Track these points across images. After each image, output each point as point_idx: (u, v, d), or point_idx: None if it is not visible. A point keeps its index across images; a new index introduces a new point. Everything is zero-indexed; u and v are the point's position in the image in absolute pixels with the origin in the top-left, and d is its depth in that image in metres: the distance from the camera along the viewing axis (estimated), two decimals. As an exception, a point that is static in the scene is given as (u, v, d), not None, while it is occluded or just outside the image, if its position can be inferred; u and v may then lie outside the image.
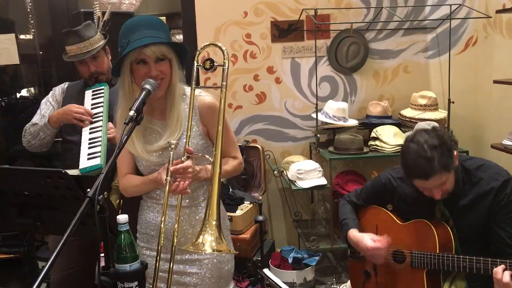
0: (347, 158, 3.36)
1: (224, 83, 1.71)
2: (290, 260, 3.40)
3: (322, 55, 3.74)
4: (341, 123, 3.50)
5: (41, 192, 1.54)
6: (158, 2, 5.96)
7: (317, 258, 3.38)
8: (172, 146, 1.66)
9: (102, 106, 2.30)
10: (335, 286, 3.18)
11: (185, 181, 1.65)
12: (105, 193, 1.37)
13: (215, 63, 1.74)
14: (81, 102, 2.36)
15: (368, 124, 3.60)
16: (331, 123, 3.50)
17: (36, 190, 1.54)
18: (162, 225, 1.68)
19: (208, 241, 1.51)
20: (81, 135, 2.26)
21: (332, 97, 3.79)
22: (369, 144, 3.44)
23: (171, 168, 1.64)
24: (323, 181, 3.32)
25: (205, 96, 1.84)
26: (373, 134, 3.45)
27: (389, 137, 3.35)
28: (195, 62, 1.75)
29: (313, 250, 3.41)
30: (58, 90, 2.49)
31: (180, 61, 1.77)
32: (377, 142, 3.38)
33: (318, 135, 3.52)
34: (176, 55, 1.74)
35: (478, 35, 3.76)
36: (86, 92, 2.41)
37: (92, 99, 2.37)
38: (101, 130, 2.21)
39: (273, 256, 3.49)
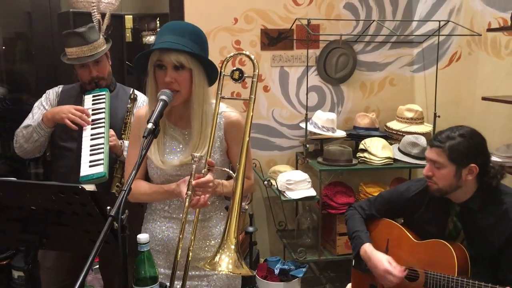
0: (337, 169, 3.36)
1: (253, 96, 1.65)
2: (276, 272, 3.37)
3: (311, 65, 3.74)
4: (329, 134, 3.50)
5: (51, 207, 1.44)
6: (144, 2, 5.85)
7: (303, 269, 3.37)
8: (196, 159, 1.58)
9: (103, 112, 2.21)
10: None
11: (205, 195, 1.59)
12: (126, 211, 1.29)
13: (244, 74, 1.66)
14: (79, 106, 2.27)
15: (355, 136, 3.62)
16: (319, 134, 3.50)
17: (45, 205, 1.44)
18: (179, 243, 1.60)
19: (225, 262, 1.45)
20: (77, 142, 2.16)
21: (319, 107, 3.79)
22: (357, 155, 3.45)
23: (193, 183, 1.57)
24: (312, 192, 3.31)
25: (231, 112, 1.80)
26: (361, 146, 3.47)
27: (378, 150, 3.37)
28: (221, 71, 1.67)
29: (300, 262, 3.39)
30: (52, 94, 2.37)
31: (209, 77, 1.70)
32: (365, 154, 3.40)
33: (307, 145, 3.50)
34: (203, 67, 1.66)
35: (462, 51, 3.85)
36: (86, 96, 2.31)
37: (93, 104, 2.28)
38: (103, 137, 2.12)
39: (259, 267, 3.44)
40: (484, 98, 3.16)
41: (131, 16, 5.07)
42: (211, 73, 1.69)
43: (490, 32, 3.28)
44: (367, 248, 2.10)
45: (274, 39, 3.70)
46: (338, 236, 3.36)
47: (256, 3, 3.64)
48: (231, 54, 1.72)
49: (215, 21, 3.63)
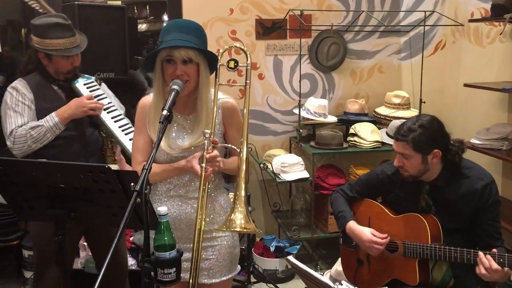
0: (329, 152, 3.57)
1: (248, 81, 1.87)
2: (272, 249, 3.58)
3: (303, 53, 3.91)
4: (321, 119, 3.70)
5: (78, 185, 1.62)
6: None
7: (297, 247, 3.59)
8: (207, 135, 1.78)
9: (106, 97, 2.40)
10: (319, 273, 3.38)
11: (213, 168, 1.79)
12: (149, 187, 1.48)
13: (238, 63, 1.87)
14: (54, 96, 2.37)
15: (346, 121, 3.82)
16: (312, 119, 3.69)
17: (73, 183, 1.62)
18: (199, 217, 1.79)
19: (238, 218, 1.66)
20: (76, 130, 2.35)
21: (311, 94, 3.98)
22: (348, 140, 3.65)
23: (207, 156, 1.76)
24: (305, 174, 3.51)
25: (227, 99, 1.99)
26: (351, 131, 3.67)
27: (367, 134, 3.57)
28: (218, 61, 1.88)
29: (294, 240, 3.61)
30: (22, 88, 2.33)
31: (211, 67, 1.88)
32: (355, 138, 3.60)
33: (301, 130, 3.70)
34: (206, 60, 1.86)
35: (447, 39, 4.05)
36: (77, 85, 2.41)
37: (91, 91, 2.43)
38: (124, 118, 2.37)
39: (255, 245, 3.65)
40: (466, 85, 3.37)
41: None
42: (213, 64, 1.89)
43: (473, 22, 3.48)
44: (352, 225, 2.31)
45: (268, 29, 3.87)
46: (329, 215, 3.57)
47: (251, -7, 3.80)
48: (226, 47, 1.93)
49: (212, 11, 3.78)
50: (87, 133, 2.41)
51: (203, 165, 1.77)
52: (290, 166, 3.50)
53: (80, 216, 1.71)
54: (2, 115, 2.30)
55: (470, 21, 3.43)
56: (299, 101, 3.71)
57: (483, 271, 1.89)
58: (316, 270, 3.53)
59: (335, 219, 2.45)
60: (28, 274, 3.37)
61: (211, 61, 1.87)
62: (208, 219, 1.96)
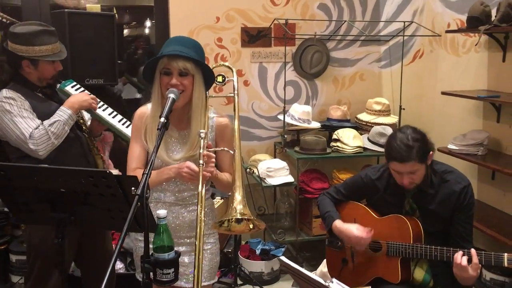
0: (313, 158, 3.68)
1: (236, 92, 2.07)
2: (258, 252, 3.67)
3: (287, 61, 4.03)
4: (305, 125, 3.81)
5: (79, 189, 1.68)
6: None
7: (283, 249, 3.69)
8: (202, 135, 1.90)
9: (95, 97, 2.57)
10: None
11: (209, 168, 1.89)
12: (149, 191, 1.56)
13: (226, 78, 2.09)
14: (44, 101, 2.42)
15: (329, 127, 3.94)
16: (296, 125, 3.80)
17: (74, 187, 1.68)
18: (201, 215, 1.84)
19: (238, 208, 1.82)
20: (76, 137, 2.47)
21: (295, 100, 4.09)
22: (331, 145, 3.77)
23: (204, 153, 1.87)
24: (290, 178, 3.62)
25: (220, 117, 2.11)
26: (334, 136, 3.79)
27: (349, 139, 3.70)
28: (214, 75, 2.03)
29: (280, 242, 3.70)
30: (17, 97, 2.32)
31: (207, 81, 1.99)
32: (338, 144, 3.72)
33: (285, 136, 3.80)
34: (203, 75, 1.95)
35: (425, 49, 4.21)
36: (66, 88, 2.51)
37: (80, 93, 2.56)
38: (118, 114, 2.59)
39: (241, 248, 3.74)
40: (443, 93, 3.53)
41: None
42: (209, 80, 2.00)
43: (449, 33, 3.64)
44: (338, 223, 2.41)
45: (253, 37, 3.97)
46: (314, 219, 3.68)
47: (237, 3, 3.90)
48: (215, 65, 2.15)
49: (198, 19, 3.87)
50: (79, 136, 2.50)
51: (201, 161, 1.86)
52: (276, 171, 3.59)
53: (79, 220, 1.77)
54: (8, 124, 2.28)
55: (447, 32, 3.59)
56: (284, 107, 3.82)
57: (454, 269, 2.02)
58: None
59: (321, 219, 2.55)
60: (16, 279, 3.39)
61: (207, 76, 1.97)
62: (192, 227, 2.04)
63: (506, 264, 1.92)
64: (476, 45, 3.41)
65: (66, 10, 3.11)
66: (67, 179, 1.67)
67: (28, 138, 2.25)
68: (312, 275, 1.58)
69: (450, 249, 2.10)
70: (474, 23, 3.12)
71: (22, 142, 2.27)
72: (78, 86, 2.59)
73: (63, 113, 2.35)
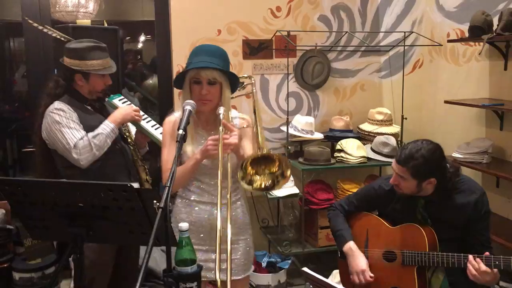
0: (318, 168, 3.67)
1: (255, 90, 2.44)
2: (264, 264, 3.64)
3: (289, 72, 4.03)
4: (308, 136, 3.81)
5: (97, 203, 1.65)
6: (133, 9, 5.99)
7: (289, 261, 3.66)
8: (221, 112, 2.01)
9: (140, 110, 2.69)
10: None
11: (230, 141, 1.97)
12: (171, 204, 1.53)
13: (244, 82, 2.35)
14: (92, 113, 2.58)
15: (331, 137, 3.94)
16: (299, 136, 3.80)
17: (93, 201, 1.65)
18: (217, 212, 1.88)
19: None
20: (120, 148, 2.63)
21: (297, 111, 4.09)
22: (334, 155, 3.77)
23: (223, 121, 1.99)
24: (295, 190, 3.61)
25: (242, 117, 2.28)
26: (338, 147, 3.79)
27: (353, 150, 3.70)
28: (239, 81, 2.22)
29: (286, 254, 3.67)
30: (67, 109, 2.49)
31: (232, 86, 2.13)
32: (342, 154, 3.72)
33: (289, 147, 3.79)
34: (228, 80, 2.09)
35: (424, 58, 4.25)
36: (114, 101, 2.66)
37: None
38: (160, 126, 2.67)
39: (247, 261, 3.69)
40: (446, 102, 3.55)
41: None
42: (234, 85, 2.15)
43: (450, 42, 3.68)
44: (352, 246, 2.40)
45: (255, 49, 3.98)
46: (319, 230, 3.67)
47: (238, 15, 3.91)
48: (242, 75, 2.37)
49: (200, 32, 3.86)
50: (122, 146, 2.64)
51: (221, 128, 1.96)
52: (281, 182, 3.57)
53: (97, 234, 1.74)
54: (56, 134, 2.44)
55: (449, 41, 3.63)
56: (287, 118, 3.81)
57: (473, 272, 2.01)
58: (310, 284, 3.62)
59: (333, 236, 2.54)
60: (19, 297, 3.32)
61: (232, 81, 2.12)
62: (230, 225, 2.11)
63: (515, 268, 1.92)
64: (479, 54, 3.44)
65: (70, 24, 3.11)
66: (86, 193, 1.64)
67: (72, 148, 2.40)
68: (339, 286, 1.56)
69: (468, 255, 2.10)
70: (477, 32, 3.15)
71: (67, 151, 2.42)
72: (125, 100, 2.71)
73: (106, 127, 2.48)
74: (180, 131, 1.73)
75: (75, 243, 1.69)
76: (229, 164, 2.03)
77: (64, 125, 2.44)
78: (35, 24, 2.99)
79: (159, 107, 4.18)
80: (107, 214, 1.69)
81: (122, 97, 2.72)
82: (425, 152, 2.16)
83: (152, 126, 2.69)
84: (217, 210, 2.04)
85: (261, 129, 2.11)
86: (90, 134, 2.44)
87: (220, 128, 1.97)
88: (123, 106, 2.62)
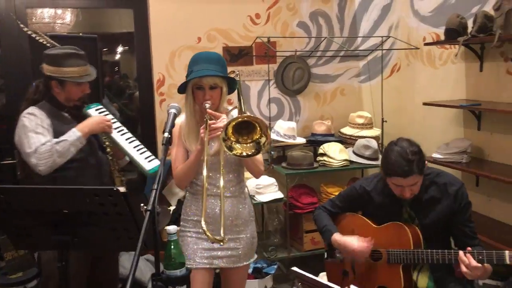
0: (301, 172, 3.69)
1: (239, 79, 2.33)
2: (250, 270, 3.62)
3: (270, 78, 4.06)
4: (291, 141, 3.84)
5: (83, 209, 1.63)
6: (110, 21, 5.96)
7: (275, 266, 3.65)
8: (207, 106, 2.13)
9: (117, 121, 2.58)
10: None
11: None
12: (158, 207, 1.53)
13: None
14: (68, 121, 2.48)
15: (314, 142, 3.97)
16: (282, 141, 3.82)
17: (78, 207, 1.63)
18: (222, 205, 2.03)
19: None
20: (93, 155, 2.51)
21: (279, 117, 4.12)
22: (317, 159, 3.80)
23: (209, 110, 2.11)
24: (280, 194, 3.62)
25: (235, 109, 2.35)
26: (320, 151, 3.82)
27: (336, 153, 3.74)
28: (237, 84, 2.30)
29: (271, 260, 3.67)
30: (39, 114, 2.42)
31: (230, 87, 2.26)
32: (325, 158, 3.75)
33: (272, 152, 3.81)
34: (227, 83, 2.21)
35: (401, 63, 4.32)
36: (89, 111, 2.55)
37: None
38: (136, 139, 2.58)
39: (233, 268, 3.68)
40: (425, 104, 3.61)
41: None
42: (231, 86, 2.28)
43: (427, 46, 3.76)
44: (337, 236, 2.41)
45: (235, 56, 4.00)
46: (305, 234, 3.68)
47: (218, 23, 3.93)
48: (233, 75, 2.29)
49: (180, 40, 3.88)
50: (98, 156, 2.55)
51: (207, 115, 2.08)
52: (265, 187, 3.59)
53: (83, 241, 1.72)
54: (21, 137, 2.36)
55: (426, 44, 3.70)
56: (269, 124, 3.83)
57: (464, 269, 2.02)
58: (295, 288, 3.61)
59: (320, 234, 2.55)
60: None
61: (230, 84, 2.26)
62: (236, 216, 2.33)
63: (508, 262, 1.94)
64: (456, 55, 3.51)
65: (48, 34, 3.06)
66: (71, 199, 1.62)
67: (32, 152, 2.31)
68: (331, 284, 1.57)
69: (451, 251, 2.13)
70: (452, 34, 3.23)
71: (27, 155, 2.33)
72: (104, 109, 2.62)
73: (72, 134, 2.39)
74: (166, 134, 1.75)
75: (61, 251, 1.67)
76: (222, 156, 2.13)
77: (30, 129, 2.35)
78: (25, 29, 2.93)
79: (140, 116, 4.15)
80: (93, 220, 1.67)
81: (101, 106, 2.63)
82: (410, 149, 2.19)
83: (126, 139, 2.57)
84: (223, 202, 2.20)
85: (244, 107, 2.19)
86: (54, 140, 2.35)
87: (206, 115, 2.10)
88: (95, 116, 2.51)
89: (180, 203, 3.54)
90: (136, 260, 1.36)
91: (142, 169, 2.49)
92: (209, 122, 2.07)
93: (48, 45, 2.81)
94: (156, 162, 2.53)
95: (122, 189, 2.04)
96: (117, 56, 7.08)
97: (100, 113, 2.55)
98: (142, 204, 1.51)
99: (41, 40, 2.85)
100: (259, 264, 3.66)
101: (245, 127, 1.99)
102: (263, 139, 1.99)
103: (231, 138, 1.97)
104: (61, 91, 2.48)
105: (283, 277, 3.99)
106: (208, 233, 1.77)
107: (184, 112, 2.26)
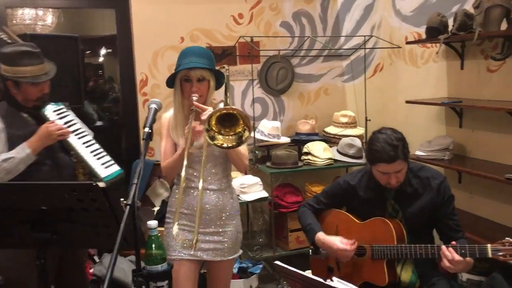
0: (286, 171, 3.69)
1: (227, 74, 2.36)
2: (235, 270, 3.60)
3: (254, 78, 4.06)
4: (275, 140, 3.83)
5: (62, 205, 1.61)
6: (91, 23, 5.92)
7: (260, 266, 3.64)
8: (195, 98, 2.17)
9: (78, 122, 2.45)
10: (285, 287, 3.44)
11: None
12: (138, 201, 1.51)
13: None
14: (24, 123, 2.37)
15: (298, 141, 3.98)
16: (266, 141, 3.82)
17: (56, 204, 1.61)
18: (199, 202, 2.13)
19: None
20: (51, 158, 2.35)
21: (263, 117, 4.12)
22: (302, 158, 3.80)
23: (195, 103, 2.15)
24: (264, 193, 3.61)
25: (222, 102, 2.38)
26: (304, 150, 3.82)
27: (320, 152, 3.74)
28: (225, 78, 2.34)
29: (257, 259, 3.65)
30: None
31: (218, 82, 2.29)
32: (309, 157, 3.76)
33: (257, 152, 3.80)
34: (215, 78, 2.25)
35: (384, 62, 4.36)
36: (46, 112, 2.41)
37: (60, 118, 2.43)
38: (95, 143, 2.44)
39: (218, 268, 3.65)
40: (408, 102, 3.64)
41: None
42: (219, 81, 2.31)
43: (408, 44, 3.79)
44: (320, 236, 2.41)
45: (218, 56, 3.99)
46: (290, 233, 3.67)
47: (201, 22, 3.92)
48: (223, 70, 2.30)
49: (163, 40, 3.85)
50: (58, 158, 2.41)
51: (193, 107, 2.13)
52: (249, 187, 3.58)
53: (62, 239, 1.69)
54: None
55: (408, 43, 3.73)
56: (253, 124, 3.82)
57: (447, 263, 2.03)
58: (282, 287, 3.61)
59: (304, 232, 2.54)
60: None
61: (218, 79, 2.29)
62: (221, 210, 2.34)
63: (490, 255, 1.95)
64: (437, 53, 3.55)
65: (28, 33, 3.03)
66: (49, 196, 1.59)
67: None
68: (312, 276, 1.56)
69: (434, 246, 2.14)
70: (433, 33, 3.26)
71: None
72: (63, 110, 2.47)
73: (21, 151, 2.26)
74: (146, 129, 1.74)
75: (40, 248, 1.64)
76: (205, 148, 2.15)
77: None
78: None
79: (124, 116, 4.12)
80: (72, 217, 1.65)
81: (61, 107, 2.47)
82: (394, 135, 2.20)
83: (83, 143, 2.43)
84: (206, 195, 2.28)
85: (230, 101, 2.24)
86: (2, 156, 2.24)
87: (193, 107, 2.14)
88: (43, 128, 2.33)
89: (164, 203, 3.50)
90: (115, 254, 1.34)
91: (96, 175, 2.36)
92: (195, 112, 2.12)
93: (9, 41, 2.69)
94: (114, 168, 2.42)
95: (101, 184, 2.02)
96: (101, 59, 7.04)
97: (58, 114, 2.42)
98: (122, 199, 1.49)
99: (2, 36, 2.74)
100: (244, 264, 3.64)
101: (228, 120, 2.02)
102: (245, 133, 2.01)
103: (214, 129, 2.00)
104: (18, 91, 2.36)
105: (268, 276, 3.97)
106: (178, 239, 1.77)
107: (173, 106, 2.30)
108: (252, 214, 4.04)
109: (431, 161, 3.38)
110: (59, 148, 2.42)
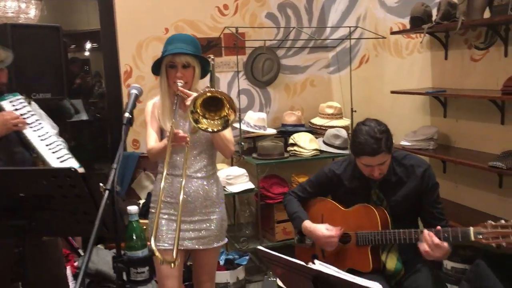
0: (272, 162, 3.68)
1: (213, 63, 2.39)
2: (222, 262, 3.59)
3: (239, 70, 4.04)
4: (261, 132, 3.82)
5: (41, 192, 1.58)
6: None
7: (247, 257, 3.63)
8: (179, 84, 2.19)
9: (35, 114, 2.34)
10: (272, 278, 3.43)
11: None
12: (117, 186, 1.49)
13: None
14: None
15: (284, 132, 3.97)
16: (252, 132, 3.80)
17: (35, 190, 1.58)
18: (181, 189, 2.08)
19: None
20: (6, 153, 2.24)
21: (249, 108, 4.10)
22: (288, 149, 3.80)
23: (180, 89, 2.18)
24: (251, 185, 3.60)
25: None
26: (290, 141, 3.82)
27: (306, 143, 3.74)
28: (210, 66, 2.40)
29: (243, 251, 3.65)
30: None
31: (203, 70, 2.30)
32: (295, 148, 3.75)
33: (243, 143, 3.79)
34: (200, 65, 2.25)
35: (370, 54, 4.36)
36: (2, 102, 2.31)
37: (16, 109, 2.32)
38: (52, 136, 2.34)
39: (205, 260, 3.64)
40: (393, 92, 3.65)
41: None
42: (204, 69, 2.31)
43: (393, 35, 3.80)
44: (307, 224, 2.41)
45: (204, 47, 3.95)
46: (276, 224, 3.67)
47: (185, 13, 3.89)
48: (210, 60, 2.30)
49: (147, 31, 3.82)
50: (15, 153, 2.28)
51: (178, 93, 2.18)
52: (235, 178, 3.56)
53: (41, 226, 1.67)
54: None
55: (392, 33, 3.74)
56: (239, 115, 3.81)
57: (426, 248, 2.03)
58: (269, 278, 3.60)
59: (290, 220, 2.54)
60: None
61: (204, 66, 2.30)
62: (205, 197, 2.33)
63: (473, 238, 1.95)
64: (421, 42, 3.56)
65: (8, 23, 2.97)
66: (27, 182, 1.57)
67: None
68: (294, 260, 1.55)
69: (418, 230, 2.14)
70: (417, 22, 3.27)
71: None
72: (20, 101, 2.36)
73: None
74: (126, 114, 1.74)
75: (18, 236, 1.61)
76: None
77: None
78: None
79: (108, 107, 4.08)
80: (51, 204, 1.62)
81: (19, 97, 2.36)
82: (378, 128, 2.19)
83: (39, 136, 2.31)
84: (191, 182, 2.28)
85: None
86: None
87: (178, 92, 2.17)
88: (6, 113, 2.22)
89: (149, 196, 3.48)
90: (93, 240, 1.32)
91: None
92: (180, 97, 2.15)
93: None
94: (70, 164, 2.25)
95: (81, 170, 1.99)
96: (87, 54, 6.98)
97: (14, 105, 2.31)
98: (101, 184, 1.46)
99: None
100: (231, 256, 3.63)
101: (214, 104, 2.04)
102: (231, 117, 2.02)
103: (199, 111, 2.02)
104: None
105: (255, 268, 3.97)
106: (157, 254, 1.78)
107: (160, 92, 2.31)
108: (239, 206, 4.04)
109: (416, 151, 3.39)
110: (18, 143, 2.30)
